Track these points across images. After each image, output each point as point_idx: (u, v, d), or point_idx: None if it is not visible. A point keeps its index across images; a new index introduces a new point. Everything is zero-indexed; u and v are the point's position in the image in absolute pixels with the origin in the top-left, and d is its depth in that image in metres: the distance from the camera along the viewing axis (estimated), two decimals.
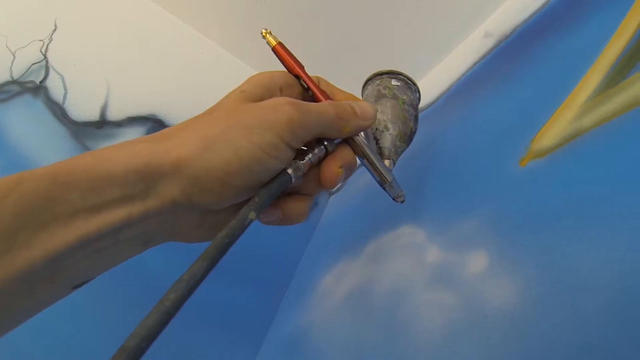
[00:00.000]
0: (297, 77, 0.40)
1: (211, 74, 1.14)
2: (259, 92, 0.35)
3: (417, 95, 0.55)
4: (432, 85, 0.98)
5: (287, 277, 0.95)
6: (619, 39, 0.50)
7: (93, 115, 0.96)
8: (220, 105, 0.34)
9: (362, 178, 0.97)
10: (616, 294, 0.27)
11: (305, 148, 0.36)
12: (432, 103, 0.91)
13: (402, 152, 0.49)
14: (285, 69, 0.41)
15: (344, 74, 1.13)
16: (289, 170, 0.33)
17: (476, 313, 0.37)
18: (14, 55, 0.99)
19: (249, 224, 0.29)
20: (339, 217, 0.94)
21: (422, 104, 0.96)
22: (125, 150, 0.28)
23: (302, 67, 0.41)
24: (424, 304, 0.44)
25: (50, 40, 1.04)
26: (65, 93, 0.98)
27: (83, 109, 0.96)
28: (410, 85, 0.54)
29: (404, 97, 0.52)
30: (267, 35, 0.42)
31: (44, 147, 0.88)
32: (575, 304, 0.29)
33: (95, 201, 0.26)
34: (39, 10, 1.04)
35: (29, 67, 0.97)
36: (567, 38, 0.59)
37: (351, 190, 0.98)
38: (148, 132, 0.99)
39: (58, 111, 0.94)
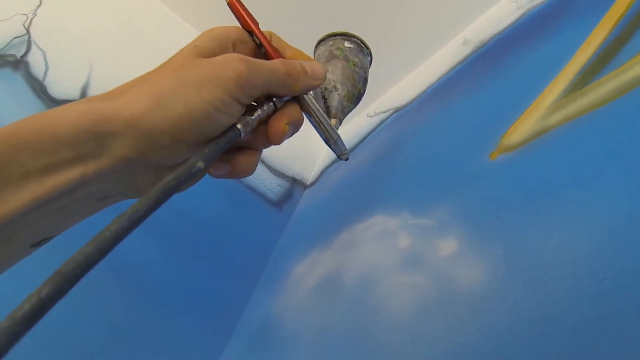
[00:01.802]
0: (251, 33, 0.40)
1: None
2: (211, 47, 0.36)
3: (369, 58, 0.56)
4: (410, 87, 1.02)
5: (260, 267, 0.97)
6: (586, 50, 0.55)
7: (73, 94, 0.96)
8: (172, 61, 0.34)
9: (337, 173, 1.00)
10: (570, 272, 0.31)
11: (255, 104, 0.37)
12: (409, 103, 0.94)
13: (349, 112, 0.51)
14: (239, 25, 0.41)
15: None
16: (238, 126, 0.34)
17: (447, 293, 0.39)
18: None
19: (196, 172, 0.30)
20: (312, 208, 0.96)
21: (399, 103, 1.00)
22: (73, 109, 0.28)
23: (256, 23, 0.40)
24: (395, 287, 0.47)
25: (35, 15, 1.03)
26: (46, 70, 0.97)
27: (63, 86, 0.95)
28: (362, 48, 0.55)
29: (355, 60, 0.53)
30: None
31: None
32: (535, 281, 0.32)
33: (46, 162, 0.26)
34: None
35: (11, 41, 0.96)
36: (539, 49, 0.64)
37: (326, 183, 1.01)
38: None
39: (37, 87, 0.93)
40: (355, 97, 0.51)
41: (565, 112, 0.45)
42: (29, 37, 0.98)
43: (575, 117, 0.43)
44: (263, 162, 1.10)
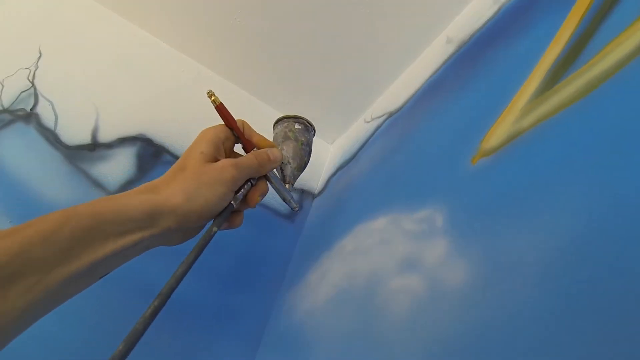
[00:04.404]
0: (231, 128, 0.62)
1: (192, 90, 1.19)
2: (211, 151, 0.56)
3: (313, 133, 0.79)
4: (401, 90, 1.05)
5: (279, 278, 1.01)
6: (555, 46, 0.57)
7: (85, 138, 1.01)
8: (187, 164, 0.54)
9: (341, 180, 1.03)
10: (542, 269, 0.34)
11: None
12: (400, 107, 0.98)
13: (299, 176, 0.73)
14: (223, 122, 0.62)
15: (316, 86, 1.19)
16: (232, 202, 0.57)
17: (437, 293, 0.43)
18: (2, 85, 1.01)
19: (214, 234, 0.54)
20: (321, 217, 1.00)
21: (392, 107, 1.03)
22: (137, 199, 0.47)
23: (234, 122, 0.62)
24: (395, 289, 0.51)
25: (37, 67, 1.07)
26: (56, 119, 1.01)
27: (74, 132, 1.00)
28: (308, 127, 0.77)
29: (302, 139, 0.75)
30: (213, 97, 0.60)
31: (41, 173, 0.91)
32: (508, 279, 0.36)
33: (121, 230, 0.44)
34: (23, 37, 1.07)
35: (19, 95, 1.00)
36: (514, 45, 0.66)
37: (332, 190, 1.05)
38: (138, 152, 1.03)
39: (51, 137, 0.98)
40: (302, 166, 0.74)
41: (537, 113, 0.48)
42: (35, 89, 1.03)
43: (546, 118, 0.46)
44: (271, 180, 1.14)
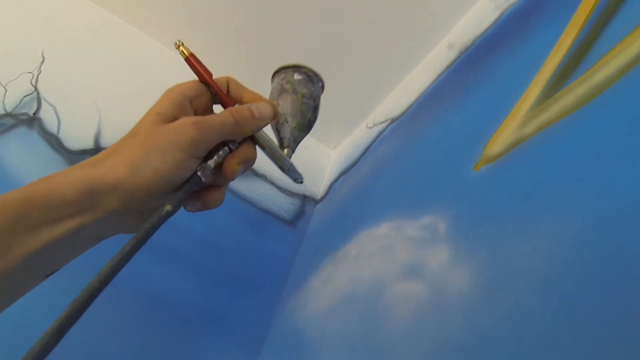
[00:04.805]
0: (206, 84, 0.47)
1: None
2: (171, 112, 0.43)
3: (320, 85, 0.60)
4: (403, 96, 1.06)
5: (281, 283, 1.01)
6: (557, 54, 0.58)
7: (87, 143, 1.01)
8: (139, 129, 0.42)
9: (343, 186, 1.04)
10: (543, 275, 0.34)
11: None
12: (403, 113, 0.98)
13: (302, 139, 0.56)
14: (196, 78, 0.48)
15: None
16: (199, 173, 0.42)
17: (440, 298, 0.44)
18: (5, 89, 1.01)
19: (166, 215, 0.40)
20: (324, 222, 1.00)
21: (395, 113, 1.03)
22: (71, 175, 0.38)
23: (210, 75, 0.48)
24: (398, 294, 0.51)
25: (39, 71, 1.07)
26: (59, 123, 1.01)
27: (77, 137, 1.00)
28: (312, 78, 0.60)
29: (304, 91, 0.58)
30: (181, 47, 0.48)
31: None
32: (511, 285, 0.36)
33: (55, 216, 0.36)
34: (25, 42, 1.08)
35: (22, 100, 1.01)
36: (515, 52, 0.67)
37: (335, 196, 1.05)
38: None
39: (54, 141, 0.98)
40: (305, 126, 0.57)
41: (539, 121, 0.49)
42: (38, 93, 1.03)
43: (547, 126, 0.47)
44: (273, 183, 1.15)
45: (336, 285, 0.70)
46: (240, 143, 0.46)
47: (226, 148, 0.44)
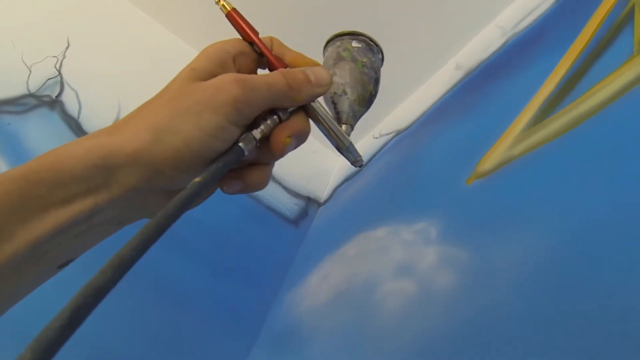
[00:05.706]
0: (251, 43, 0.40)
1: None
2: (209, 68, 0.35)
3: (380, 56, 0.53)
4: (410, 110, 1.11)
5: (280, 278, 1.06)
6: (549, 83, 0.63)
7: None
8: (169, 88, 0.35)
9: (347, 192, 1.09)
10: (519, 277, 0.40)
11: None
12: (409, 126, 1.03)
13: (362, 115, 0.49)
14: (239, 36, 0.40)
15: None
16: (241, 144, 0.33)
17: (426, 295, 0.49)
18: (29, 70, 1.05)
19: (196, 190, 0.30)
20: (326, 225, 1.05)
21: (401, 126, 1.09)
22: (81, 145, 0.30)
23: (256, 33, 0.40)
24: (390, 291, 0.56)
25: (64, 56, 1.10)
26: (80, 108, 1.05)
27: (97, 123, 1.04)
28: (372, 46, 0.52)
29: (364, 60, 0.50)
30: (222, 1, 0.41)
31: None
32: (491, 282, 0.41)
33: (62, 195, 0.29)
34: (52, 26, 1.12)
35: (45, 82, 1.05)
36: (515, 78, 0.72)
37: (338, 201, 1.10)
38: None
39: (74, 125, 1.02)
40: (366, 100, 0.49)
41: (527, 143, 0.54)
42: (61, 78, 1.07)
43: (534, 148, 0.52)
44: (280, 183, 1.20)
45: (333, 282, 0.75)
46: (292, 113, 0.37)
47: (275, 117, 0.36)
